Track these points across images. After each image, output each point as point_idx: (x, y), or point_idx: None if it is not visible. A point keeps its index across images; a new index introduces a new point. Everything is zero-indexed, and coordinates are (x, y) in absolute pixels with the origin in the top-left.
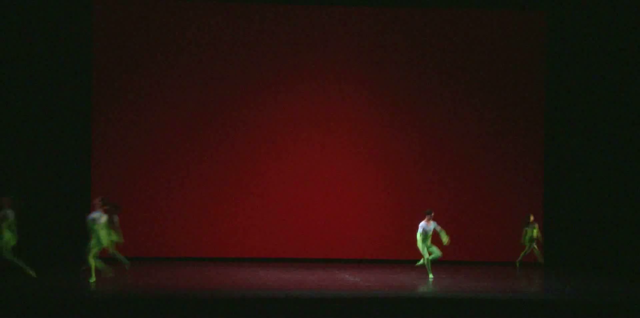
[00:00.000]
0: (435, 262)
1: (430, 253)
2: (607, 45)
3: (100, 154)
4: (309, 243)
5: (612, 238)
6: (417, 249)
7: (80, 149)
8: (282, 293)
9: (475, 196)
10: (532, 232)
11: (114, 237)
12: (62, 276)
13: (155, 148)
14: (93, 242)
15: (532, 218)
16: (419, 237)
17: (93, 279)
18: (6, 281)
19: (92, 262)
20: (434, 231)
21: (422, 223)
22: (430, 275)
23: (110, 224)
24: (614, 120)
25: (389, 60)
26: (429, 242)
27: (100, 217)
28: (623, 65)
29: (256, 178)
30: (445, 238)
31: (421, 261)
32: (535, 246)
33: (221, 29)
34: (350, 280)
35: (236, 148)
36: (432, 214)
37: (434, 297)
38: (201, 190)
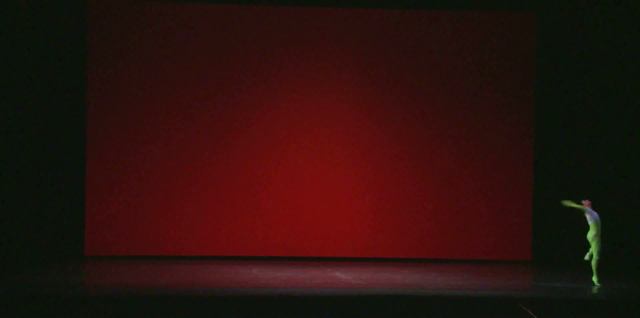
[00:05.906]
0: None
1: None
2: (597, 46)
3: (95, 151)
4: (302, 242)
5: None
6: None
7: (75, 146)
8: (275, 291)
9: (468, 194)
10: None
11: None
12: (56, 275)
13: (151, 147)
14: None
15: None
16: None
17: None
18: (5, 281)
19: None
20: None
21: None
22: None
23: None
24: (603, 119)
25: (382, 61)
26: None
27: None
28: (613, 65)
29: (248, 178)
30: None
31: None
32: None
33: (218, 29)
34: (342, 278)
35: (229, 148)
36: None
37: (425, 295)
38: (193, 190)
